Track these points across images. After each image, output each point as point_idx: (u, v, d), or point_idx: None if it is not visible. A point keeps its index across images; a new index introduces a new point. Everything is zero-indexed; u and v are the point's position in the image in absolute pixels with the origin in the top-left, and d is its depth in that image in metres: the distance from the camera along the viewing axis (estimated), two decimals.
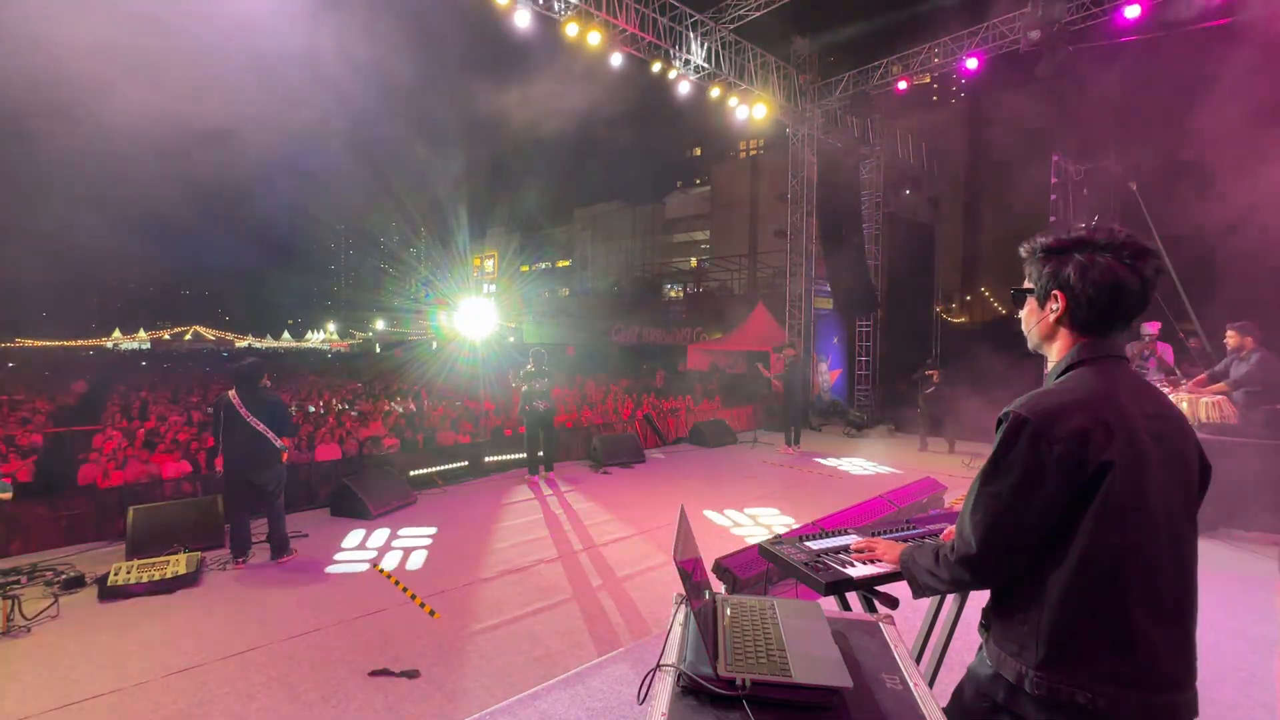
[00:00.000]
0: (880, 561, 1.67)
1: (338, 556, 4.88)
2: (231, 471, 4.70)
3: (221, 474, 4.83)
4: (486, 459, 7.85)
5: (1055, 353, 1.27)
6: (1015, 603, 1.18)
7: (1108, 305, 1.18)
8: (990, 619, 1.26)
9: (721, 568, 3.55)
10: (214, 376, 20.06)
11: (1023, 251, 1.31)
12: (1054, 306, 1.24)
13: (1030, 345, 1.35)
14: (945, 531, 1.63)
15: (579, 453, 8.64)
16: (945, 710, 1.28)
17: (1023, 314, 1.33)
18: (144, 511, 4.90)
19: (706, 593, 1.50)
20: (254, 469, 4.66)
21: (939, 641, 2.02)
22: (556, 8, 8.31)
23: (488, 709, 2.80)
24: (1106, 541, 1.08)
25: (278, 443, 4.74)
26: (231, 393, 4.71)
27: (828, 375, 13.87)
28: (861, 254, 12.59)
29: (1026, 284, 1.31)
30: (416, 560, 4.79)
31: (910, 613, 2.95)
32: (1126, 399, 1.14)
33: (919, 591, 1.43)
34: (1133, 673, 1.07)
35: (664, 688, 1.23)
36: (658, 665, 1.29)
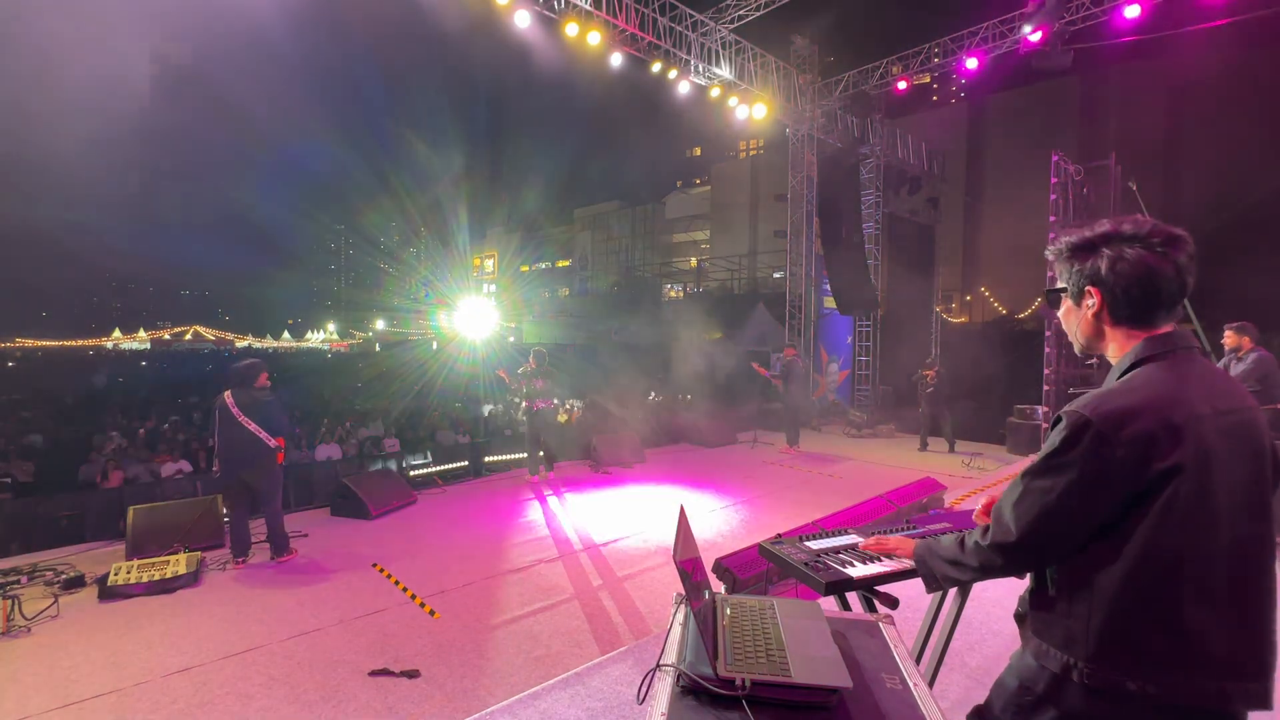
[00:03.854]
0: (894, 557, 1.67)
1: (337, 556, 4.88)
2: (227, 472, 4.72)
3: (218, 474, 4.85)
4: (486, 459, 7.86)
5: (1114, 351, 1.24)
6: (1061, 596, 1.17)
7: (1143, 296, 1.16)
8: (1028, 610, 1.25)
9: (721, 567, 3.55)
10: (214, 376, 20.05)
11: (1049, 254, 1.30)
12: (1090, 303, 1.22)
13: (1078, 348, 1.32)
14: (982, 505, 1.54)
15: (579, 453, 8.64)
16: (987, 701, 1.29)
17: (1060, 314, 1.32)
18: (144, 511, 4.90)
19: (706, 593, 1.50)
20: (248, 470, 4.67)
21: (939, 641, 2.02)
22: (556, 7, 8.31)
23: (488, 709, 2.80)
24: (1167, 541, 1.07)
25: (271, 443, 4.72)
26: (227, 394, 4.72)
27: (836, 375, 13.84)
28: (861, 254, 12.58)
29: (1060, 284, 1.29)
30: (417, 560, 4.79)
31: (910, 613, 2.95)
32: (1197, 395, 1.11)
33: (936, 585, 1.42)
34: (1183, 659, 1.06)
35: (664, 687, 1.23)
36: (658, 665, 1.29)
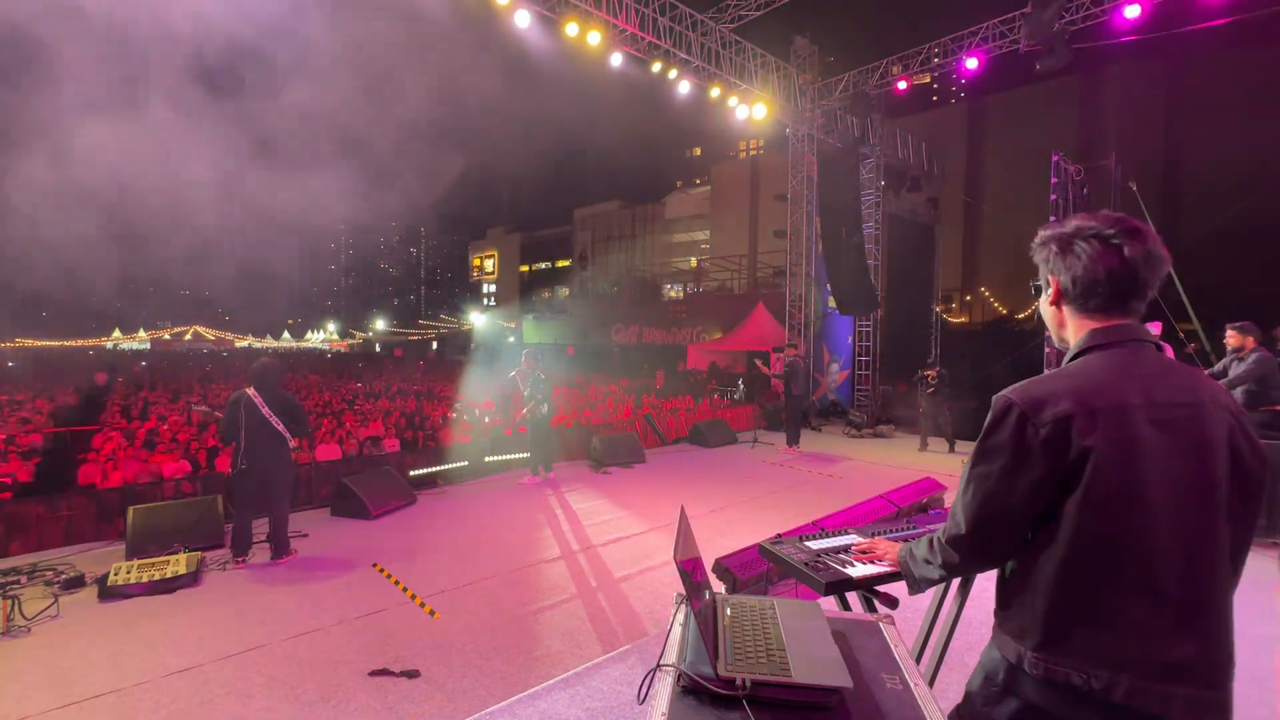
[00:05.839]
0: (882, 561, 1.68)
1: (337, 556, 4.88)
2: (246, 469, 4.69)
3: (231, 472, 4.83)
4: (486, 459, 7.85)
5: (1071, 340, 1.27)
6: (1015, 586, 1.19)
7: (1089, 285, 1.18)
8: (997, 602, 1.26)
9: (721, 567, 3.55)
10: (213, 376, 20.04)
11: (1033, 247, 1.34)
12: (1048, 292, 1.28)
13: (1055, 341, 1.35)
14: None
15: (579, 453, 8.64)
16: (964, 698, 1.29)
17: (1040, 306, 1.36)
18: (144, 511, 4.90)
19: (706, 593, 1.49)
20: (271, 467, 4.70)
21: (939, 641, 2.02)
22: (556, 7, 8.31)
23: (488, 709, 2.81)
24: (1096, 529, 1.07)
25: (292, 442, 4.82)
26: (250, 390, 4.73)
27: (836, 375, 13.83)
28: (861, 254, 12.59)
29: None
30: (417, 560, 4.79)
31: (910, 613, 2.95)
32: (1131, 385, 1.11)
33: (916, 586, 1.43)
34: (1126, 658, 1.05)
35: (664, 687, 1.23)
36: (658, 665, 1.29)
